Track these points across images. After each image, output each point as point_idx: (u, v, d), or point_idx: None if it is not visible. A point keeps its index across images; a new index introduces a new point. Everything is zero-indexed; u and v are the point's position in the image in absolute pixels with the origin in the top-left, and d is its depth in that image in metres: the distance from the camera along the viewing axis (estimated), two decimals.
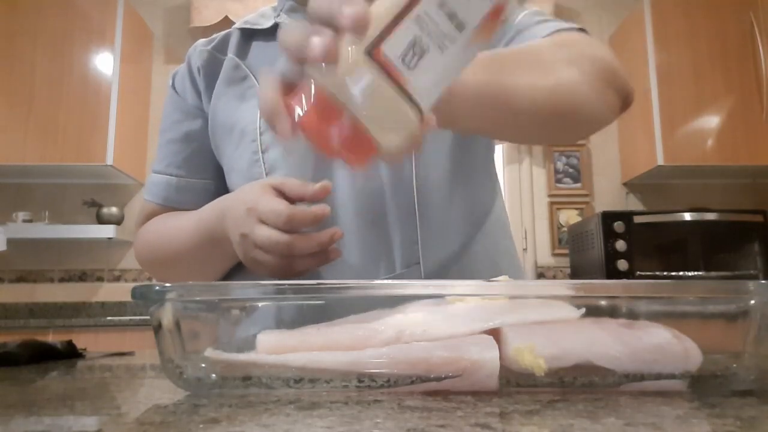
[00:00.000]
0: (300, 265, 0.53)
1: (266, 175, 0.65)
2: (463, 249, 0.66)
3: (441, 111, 0.35)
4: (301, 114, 0.32)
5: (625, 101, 0.61)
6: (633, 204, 2.65)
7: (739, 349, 0.33)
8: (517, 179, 2.68)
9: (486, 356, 0.31)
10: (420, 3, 0.30)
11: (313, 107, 0.32)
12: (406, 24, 0.30)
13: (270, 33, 0.72)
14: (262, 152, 0.65)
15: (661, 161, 2.34)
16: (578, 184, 2.66)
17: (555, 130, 0.58)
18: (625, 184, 2.66)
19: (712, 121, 2.37)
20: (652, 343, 0.32)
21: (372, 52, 0.30)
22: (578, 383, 0.32)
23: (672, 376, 0.33)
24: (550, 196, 2.65)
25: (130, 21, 2.50)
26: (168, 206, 0.73)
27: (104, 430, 0.25)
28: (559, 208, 2.64)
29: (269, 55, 0.71)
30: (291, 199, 0.54)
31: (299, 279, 0.62)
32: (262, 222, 0.52)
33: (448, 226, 0.65)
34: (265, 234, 0.52)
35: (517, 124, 0.53)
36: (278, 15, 0.72)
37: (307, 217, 0.52)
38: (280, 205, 0.52)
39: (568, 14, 2.78)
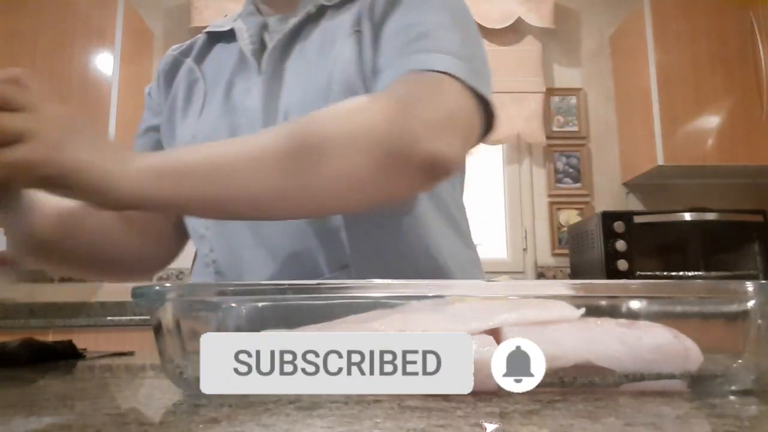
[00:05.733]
0: None
1: None
2: (395, 253, 0.63)
3: None
4: None
5: (430, 170, 0.51)
6: (633, 204, 2.64)
7: (739, 349, 0.33)
8: (517, 179, 2.68)
9: (486, 356, 0.31)
10: None
11: None
12: None
13: (230, 36, 0.72)
14: None
15: (661, 161, 2.33)
16: (578, 184, 2.66)
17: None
18: (625, 184, 2.66)
19: (712, 121, 2.37)
20: (652, 343, 0.32)
21: None
22: (578, 383, 0.32)
23: (672, 376, 0.33)
24: (550, 196, 2.65)
25: (130, 21, 2.49)
26: None
27: (104, 430, 0.25)
28: (559, 208, 2.64)
29: (222, 59, 0.71)
30: None
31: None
32: None
33: (377, 226, 0.62)
34: None
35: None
36: (235, 20, 0.72)
37: None
38: None
39: (568, 14, 2.78)
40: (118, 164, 0.44)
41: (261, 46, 0.68)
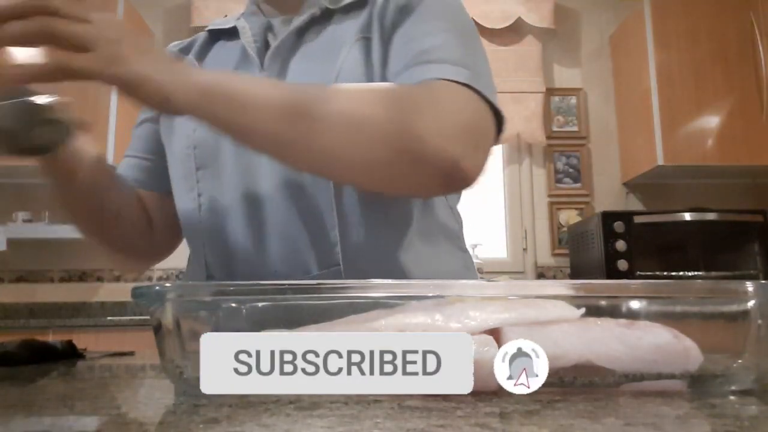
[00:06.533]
0: None
1: (197, 169, 0.67)
2: (386, 255, 0.63)
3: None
4: None
5: (447, 178, 0.54)
6: (633, 204, 2.65)
7: (739, 349, 0.33)
8: (517, 179, 2.68)
9: (486, 356, 0.31)
10: None
11: None
12: None
13: (231, 34, 0.72)
14: (195, 147, 0.67)
15: (661, 161, 2.33)
16: (578, 184, 2.66)
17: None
18: (625, 184, 2.66)
19: (712, 121, 2.37)
20: (652, 343, 0.32)
21: None
22: (578, 383, 0.33)
23: (672, 376, 0.33)
24: (550, 196, 2.65)
25: (130, 21, 2.49)
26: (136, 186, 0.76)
27: (104, 430, 0.25)
28: (559, 208, 2.64)
29: (224, 56, 0.72)
30: None
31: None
32: None
33: (370, 228, 0.63)
34: None
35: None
36: (238, 18, 0.73)
37: None
38: None
39: (568, 14, 2.78)
40: (171, 77, 0.48)
41: (264, 45, 0.69)
